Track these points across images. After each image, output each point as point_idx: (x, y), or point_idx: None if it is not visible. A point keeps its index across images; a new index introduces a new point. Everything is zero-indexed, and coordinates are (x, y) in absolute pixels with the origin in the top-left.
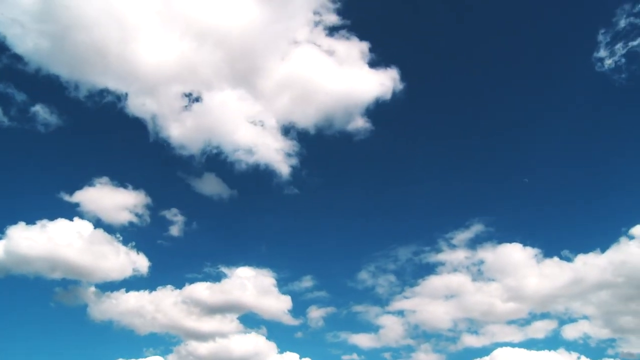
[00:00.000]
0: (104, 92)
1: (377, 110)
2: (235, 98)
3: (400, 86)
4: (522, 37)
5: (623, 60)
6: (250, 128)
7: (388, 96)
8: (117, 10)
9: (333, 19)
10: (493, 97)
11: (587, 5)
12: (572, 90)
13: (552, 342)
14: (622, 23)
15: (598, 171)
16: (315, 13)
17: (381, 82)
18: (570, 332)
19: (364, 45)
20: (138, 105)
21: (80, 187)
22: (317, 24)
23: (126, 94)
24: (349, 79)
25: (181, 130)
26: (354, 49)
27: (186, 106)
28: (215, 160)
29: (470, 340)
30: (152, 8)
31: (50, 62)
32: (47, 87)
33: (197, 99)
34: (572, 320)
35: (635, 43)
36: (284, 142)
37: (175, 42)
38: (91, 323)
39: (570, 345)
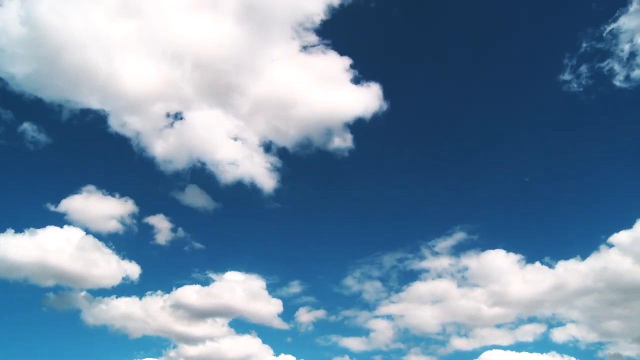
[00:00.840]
0: (89, 111)
1: (358, 124)
2: (216, 115)
3: (382, 100)
4: (494, 58)
5: (590, 82)
6: (232, 144)
7: (370, 110)
8: (99, 33)
9: (313, 36)
10: (473, 111)
11: (552, 30)
12: (549, 105)
13: (541, 345)
14: (585, 46)
15: (579, 181)
16: (295, 30)
17: (363, 98)
18: (559, 335)
19: (345, 62)
20: (122, 123)
21: (67, 196)
22: (296, 40)
23: (110, 113)
24: (330, 96)
25: (165, 147)
26: (335, 66)
27: (169, 124)
28: (199, 176)
29: (459, 344)
30: (133, 29)
31: (36, 84)
32: (34, 107)
33: (180, 117)
34: (560, 324)
35: (601, 65)
36: (266, 157)
37: (156, 62)
38: (83, 328)
39: (559, 349)
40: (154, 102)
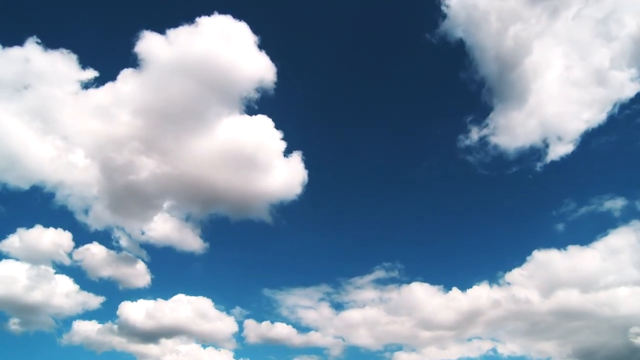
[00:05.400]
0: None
1: (280, 191)
2: (141, 190)
3: (304, 165)
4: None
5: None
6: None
7: (293, 177)
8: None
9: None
10: (384, 170)
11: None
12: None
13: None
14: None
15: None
16: (221, 105)
17: (285, 165)
18: (502, 351)
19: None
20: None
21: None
22: (219, 115)
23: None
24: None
25: (95, 216)
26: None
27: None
28: (133, 241)
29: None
30: (51, 129)
31: None
32: None
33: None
34: (498, 341)
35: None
36: (191, 226)
37: (77, 154)
38: (48, 353)
39: None
40: (77, 184)
